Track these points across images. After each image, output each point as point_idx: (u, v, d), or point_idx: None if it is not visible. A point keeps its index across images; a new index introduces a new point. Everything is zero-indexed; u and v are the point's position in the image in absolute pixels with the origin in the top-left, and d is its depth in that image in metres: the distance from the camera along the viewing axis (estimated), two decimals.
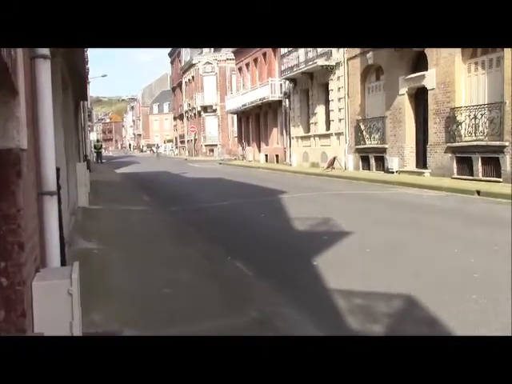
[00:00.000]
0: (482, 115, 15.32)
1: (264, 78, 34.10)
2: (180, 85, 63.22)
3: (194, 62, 53.77)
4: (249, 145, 38.95)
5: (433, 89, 17.38)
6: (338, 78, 23.96)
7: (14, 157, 2.35)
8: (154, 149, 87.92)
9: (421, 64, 18.02)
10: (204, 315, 4.50)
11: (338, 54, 23.66)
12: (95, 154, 41.46)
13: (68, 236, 7.32)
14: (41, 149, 3.16)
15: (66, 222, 6.91)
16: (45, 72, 3.18)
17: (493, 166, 14.76)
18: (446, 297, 4.98)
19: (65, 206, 6.78)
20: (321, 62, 24.22)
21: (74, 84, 11.54)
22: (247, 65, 38.57)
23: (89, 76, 38.87)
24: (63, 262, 3.56)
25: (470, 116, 15.80)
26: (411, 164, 19.19)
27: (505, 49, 14.00)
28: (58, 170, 3.50)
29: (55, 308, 2.74)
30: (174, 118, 72.45)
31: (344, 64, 23.37)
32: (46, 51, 3.21)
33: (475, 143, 15.33)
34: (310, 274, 6.02)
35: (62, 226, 3.66)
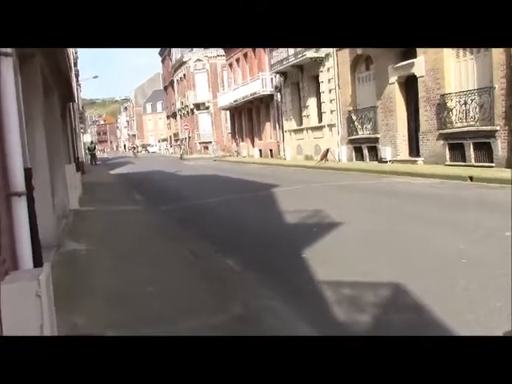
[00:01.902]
0: (472, 101, 15.26)
1: (255, 72, 33.98)
2: (172, 83, 63.03)
3: (184, 60, 53.58)
4: (242, 140, 38.85)
5: (422, 76, 17.31)
6: (328, 69, 23.87)
7: None
8: (146, 149, 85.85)
9: (409, 52, 17.93)
10: (189, 313, 4.43)
11: None
12: (89, 156, 41.32)
13: (56, 239, 7.25)
14: (7, 149, 3.09)
15: (51, 225, 6.84)
16: (7, 70, 3.10)
17: (485, 151, 14.72)
18: (436, 284, 4.93)
19: (49, 208, 6.71)
20: (310, 54, 24.12)
21: (59, 86, 11.44)
22: (237, 60, 38.43)
23: (79, 78, 38.81)
24: (39, 265, 3.48)
25: (460, 102, 15.74)
26: (404, 153, 19.14)
27: None
28: (28, 170, 3.42)
29: (24, 311, 2.67)
30: (168, 117, 72.30)
31: (333, 55, 23.28)
32: (7, 48, 3.13)
33: (466, 129, 15.28)
34: (298, 266, 5.96)
35: (36, 228, 3.58)
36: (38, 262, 3.47)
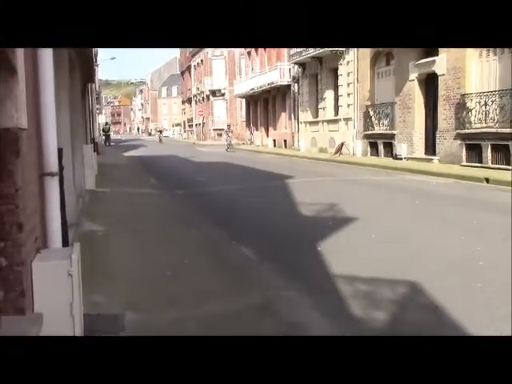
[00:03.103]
0: (492, 102, 15.13)
1: (273, 62, 33.85)
2: (189, 68, 62.93)
3: None
4: (257, 129, 38.81)
5: (443, 74, 17.17)
6: (348, 62, 23.73)
7: (12, 136, 2.34)
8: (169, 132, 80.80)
9: (431, 49, 17.77)
10: (206, 298, 4.50)
11: None
12: (103, 137, 41.47)
13: (75, 218, 7.33)
14: (42, 129, 3.14)
15: (72, 204, 6.92)
16: (46, 52, 3.15)
17: (503, 153, 14.60)
18: (450, 284, 4.95)
19: (70, 188, 6.78)
20: None
21: (81, 66, 11.49)
22: (256, 49, 38.27)
23: (97, 58, 38.85)
24: (65, 243, 3.56)
25: (480, 103, 15.61)
26: (420, 151, 19.04)
27: None
28: (60, 150, 3.48)
29: (55, 288, 2.74)
30: (183, 102, 72.24)
31: (354, 49, 23.11)
32: None
33: (485, 130, 15.17)
34: (313, 259, 6.00)
35: (64, 208, 3.65)
36: (65, 241, 3.54)
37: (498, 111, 14.90)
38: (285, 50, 31.88)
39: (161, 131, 58.51)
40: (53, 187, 3.17)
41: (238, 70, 49.59)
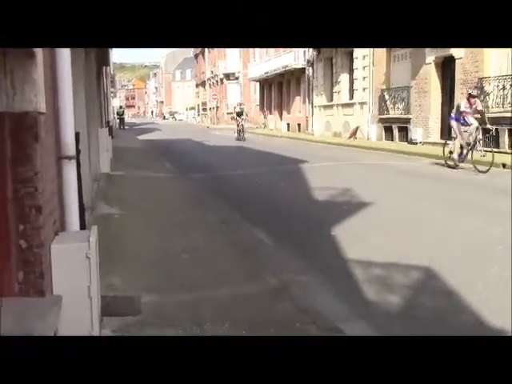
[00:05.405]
0: (511, 86, 14.89)
1: None
2: (203, 51, 62.69)
3: None
4: (271, 113, 38.65)
5: (461, 58, 16.91)
6: None
7: (31, 120, 2.35)
8: (174, 116, 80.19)
9: None
10: (221, 281, 4.53)
11: None
12: (118, 121, 41.64)
13: (91, 201, 7.40)
14: (60, 113, 3.16)
15: (88, 188, 6.97)
16: None
17: None
18: (467, 269, 4.93)
19: (86, 171, 6.83)
20: None
21: (96, 49, 11.48)
22: None
23: None
24: (82, 226, 3.60)
25: (498, 86, 15.38)
26: (436, 135, 18.85)
27: None
28: (77, 134, 3.50)
29: (73, 271, 2.78)
30: (197, 86, 72.13)
31: None
32: None
33: (503, 115, 14.95)
34: (328, 243, 6.01)
35: (81, 191, 3.68)
36: (82, 224, 3.58)
37: None
38: None
39: (239, 114, 29.08)
40: (70, 171, 3.20)
41: (252, 54, 49.26)
